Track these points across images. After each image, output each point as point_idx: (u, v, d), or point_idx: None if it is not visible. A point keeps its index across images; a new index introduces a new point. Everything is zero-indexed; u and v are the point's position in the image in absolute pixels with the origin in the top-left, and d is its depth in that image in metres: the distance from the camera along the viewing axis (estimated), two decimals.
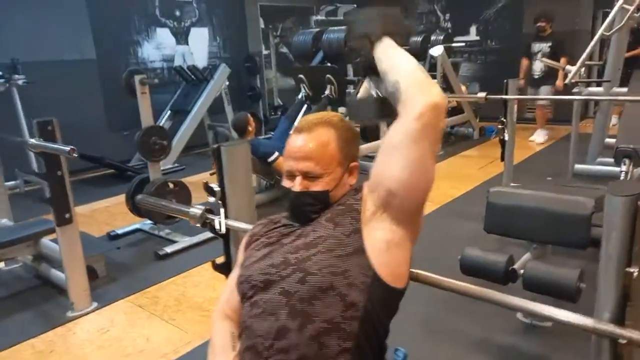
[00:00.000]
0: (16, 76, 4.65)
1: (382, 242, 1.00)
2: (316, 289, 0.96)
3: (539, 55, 5.73)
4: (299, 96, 4.60)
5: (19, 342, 2.34)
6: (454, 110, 6.32)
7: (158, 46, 6.38)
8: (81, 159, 5.28)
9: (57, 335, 2.42)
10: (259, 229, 1.18)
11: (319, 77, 4.40)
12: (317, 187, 1.08)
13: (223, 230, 1.41)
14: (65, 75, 5.30)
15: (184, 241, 3.35)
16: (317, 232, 1.04)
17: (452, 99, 5.84)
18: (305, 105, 4.50)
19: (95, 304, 2.66)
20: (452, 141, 6.47)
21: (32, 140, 2.22)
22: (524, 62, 5.91)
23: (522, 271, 1.96)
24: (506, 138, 3.07)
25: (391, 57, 1.02)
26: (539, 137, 6.13)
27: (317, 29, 5.19)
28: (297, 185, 1.08)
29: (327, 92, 4.34)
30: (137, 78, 3.24)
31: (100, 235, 3.67)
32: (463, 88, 6.15)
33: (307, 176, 1.08)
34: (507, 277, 2.00)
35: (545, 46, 5.74)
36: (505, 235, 2.23)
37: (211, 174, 3.65)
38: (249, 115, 3.84)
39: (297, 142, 1.09)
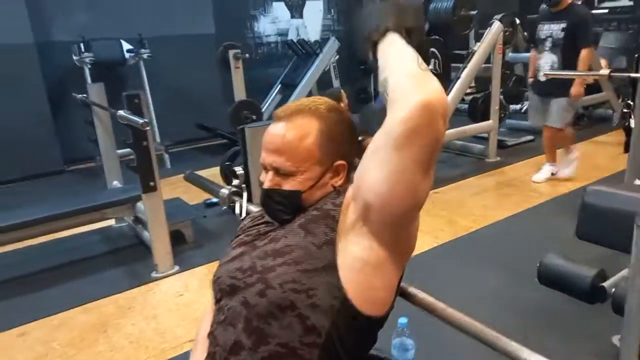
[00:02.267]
0: (142, 50, 5.10)
1: (356, 260, 0.84)
2: (274, 306, 0.84)
3: (547, 43, 3.69)
4: None
5: (107, 296, 2.60)
6: (590, 88, 5.49)
7: (273, 20, 6.52)
8: (197, 128, 5.71)
9: (139, 293, 2.63)
10: (247, 222, 1.09)
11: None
12: (288, 185, 0.95)
13: (243, 214, 1.35)
14: (186, 49, 5.67)
15: None
16: (288, 238, 0.91)
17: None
18: None
19: (177, 268, 2.84)
20: (584, 124, 5.66)
21: (120, 112, 2.38)
22: (532, 54, 3.98)
23: (613, 290, 1.62)
24: (632, 125, 2.53)
25: (388, 54, 0.83)
26: (542, 173, 3.99)
27: None
28: (267, 180, 0.96)
29: (430, 66, 4.02)
30: (231, 53, 3.31)
31: (198, 202, 3.91)
32: (603, 62, 5.28)
33: (279, 172, 0.95)
34: (594, 295, 1.66)
35: (557, 29, 3.62)
36: (600, 244, 1.86)
37: None
38: (342, 91, 3.73)
39: (271, 130, 0.96)
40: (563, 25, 3.59)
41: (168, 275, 2.78)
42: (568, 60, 3.57)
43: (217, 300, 0.96)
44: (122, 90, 4.01)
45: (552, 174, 3.97)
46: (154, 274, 2.78)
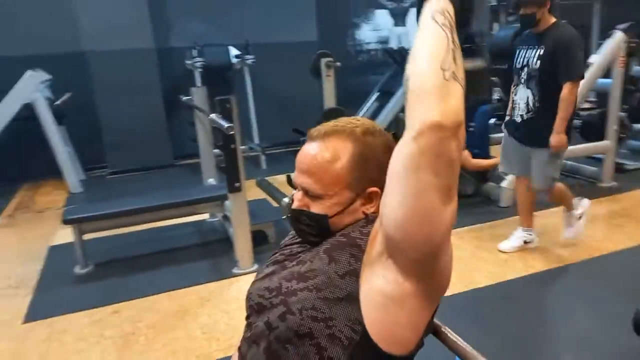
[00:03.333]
0: (247, 56, 5.37)
1: (378, 293, 0.78)
2: (292, 332, 0.81)
3: (523, 74, 2.75)
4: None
5: (192, 285, 2.78)
6: None
7: (375, 28, 6.51)
8: (294, 132, 5.89)
9: (218, 287, 2.77)
10: (287, 239, 1.08)
11: None
12: (316, 208, 0.91)
13: None
14: (289, 55, 5.86)
15: None
16: (313, 263, 0.87)
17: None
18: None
19: (256, 266, 2.94)
20: None
21: (212, 115, 2.53)
22: (513, 85, 2.93)
23: None
24: None
25: (419, 32, 0.73)
26: (512, 240, 3.05)
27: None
28: (296, 200, 0.94)
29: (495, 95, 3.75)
30: (323, 61, 3.36)
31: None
32: None
33: (308, 194, 0.92)
34: None
35: (533, 56, 2.69)
36: None
37: None
38: None
39: (304, 150, 0.94)
40: (540, 51, 2.66)
41: (247, 273, 2.88)
42: (546, 97, 2.66)
43: (247, 317, 0.96)
44: (229, 94, 4.29)
45: (526, 242, 3.03)
46: (235, 270, 2.91)
